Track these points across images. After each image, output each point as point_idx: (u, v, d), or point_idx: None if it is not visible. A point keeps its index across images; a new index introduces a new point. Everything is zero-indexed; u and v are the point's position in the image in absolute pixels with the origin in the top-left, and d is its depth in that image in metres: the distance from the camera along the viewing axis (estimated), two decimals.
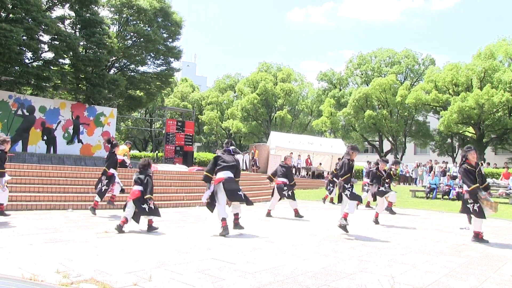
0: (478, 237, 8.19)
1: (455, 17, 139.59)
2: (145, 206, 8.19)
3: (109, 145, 10.90)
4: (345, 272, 5.49)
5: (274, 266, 5.65)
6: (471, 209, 8.14)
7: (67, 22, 20.03)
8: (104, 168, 10.46)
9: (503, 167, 23.84)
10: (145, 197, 8.23)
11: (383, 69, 46.46)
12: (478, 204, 8.01)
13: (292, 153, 28.26)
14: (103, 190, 10.30)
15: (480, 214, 7.99)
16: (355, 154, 9.20)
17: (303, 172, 29.06)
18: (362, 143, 46.32)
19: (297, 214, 11.66)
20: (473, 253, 7.06)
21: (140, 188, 8.33)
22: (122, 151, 16.33)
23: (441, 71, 38.22)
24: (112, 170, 10.55)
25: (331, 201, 16.56)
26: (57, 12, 20.16)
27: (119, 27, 24.25)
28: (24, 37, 16.16)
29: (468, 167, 8.24)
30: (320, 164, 29.59)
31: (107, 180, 10.33)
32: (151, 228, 8.35)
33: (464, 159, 8.43)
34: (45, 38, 18.12)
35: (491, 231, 10.07)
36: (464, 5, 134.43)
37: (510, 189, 19.66)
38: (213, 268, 5.43)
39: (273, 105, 50.23)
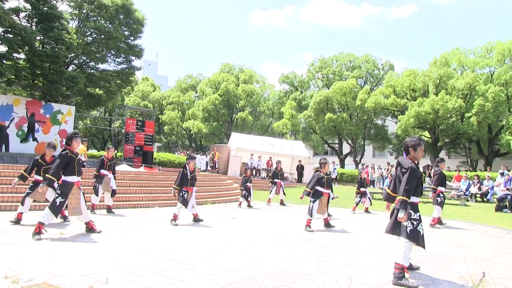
0: None
1: (413, 25, 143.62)
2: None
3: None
4: (303, 273, 5.54)
5: (233, 267, 5.65)
6: None
7: (22, 14, 19.28)
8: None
9: (455, 170, 24.67)
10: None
11: (344, 73, 47.22)
12: None
13: (253, 154, 28.33)
14: None
15: None
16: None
17: (263, 174, 29.16)
18: (322, 146, 46.93)
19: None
20: (426, 252, 7.26)
21: None
22: (80, 150, 15.94)
23: (400, 76, 39.21)
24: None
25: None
26: (11, 3, 19.48)
27: (78, 22, 23.65)
28: None
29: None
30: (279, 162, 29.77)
31: None
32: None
33: None
34: None
35: (444, 232, 10.40)
36: (421, 14, 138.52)
37: (461, 191, 20.38)
38: (172, 270, 5.37)
39: (234, 106, 50.22)
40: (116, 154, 23.69)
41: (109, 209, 11.71)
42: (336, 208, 15.47)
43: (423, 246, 5.40)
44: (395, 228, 5.44)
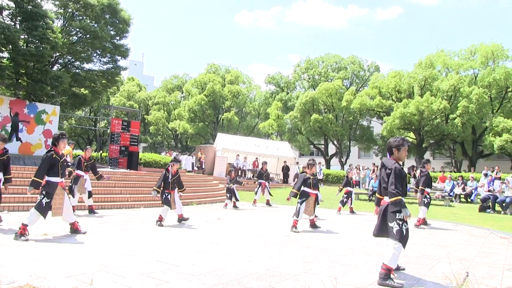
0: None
1: (399, 27, 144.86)
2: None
3: None
4: (289, 273, 5.55)
5: (219, 268, 5.64)
6: None
7: (5, 13, 18.99)
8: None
9: (440, 171, 24.93)
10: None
11: (329, 74, 47.40)
12: None
13: (238, 155, 28.30)
14: None
15: None
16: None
17: (249, 174, 29.15)
18: (308, 146, 47.06)
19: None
20: (411, 253, 7.33)
21: None
22: (66, 151, 15.79)
23: (385, 78, 39.50)
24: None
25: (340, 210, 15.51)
26: None
27: (64, 22, 23.38)
28: None
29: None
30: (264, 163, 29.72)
31: None
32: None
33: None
34: None
35: (428, 232, 10.50)
36: (407, 16, 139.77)
37: (446, 192, 20.60)
38: (157, 271, 5.35)
39: (220, 106, 50.14)
40: (101, 154, 23.50)
41: (90, 210, 11.59)
42: (321, 209, 15.53)
43: (403, 246, 5.38)
44: (382, 229, 5.50)
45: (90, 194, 11.57)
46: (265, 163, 18.23)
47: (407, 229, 5.36)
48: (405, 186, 5.57)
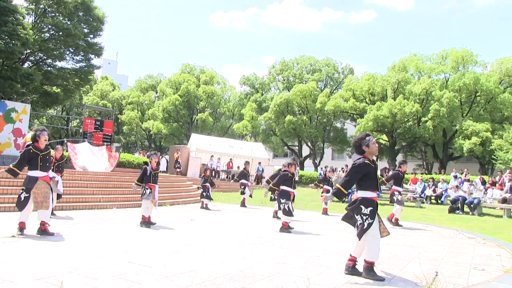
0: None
1: (373, 31, 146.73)
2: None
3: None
4: (262, 274, 5.56)
5: (192, 269, 5.61)
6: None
7: None
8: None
9: (412, 173, 25.33)
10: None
11: (304, 76, 47.66)
12: None
13: (212, 156, 28.22)
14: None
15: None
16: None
17: (223, 175, 29.09)
18: (282, 148, 47.22)
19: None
20: (383, 253, 7.41)
21: None
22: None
23: (359, 80, 39.94)
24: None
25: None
26: None
27: (35, 18, 22.93)
28: None
29: None
30: (238, 167, 29.66)
31: None
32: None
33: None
34: None
35: (400, 233, 10.67)
36: (380, 20, 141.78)
37: (417, 194, 20.97)
38: (130, 272, 5.29)
39: (195, 107, 49.94)
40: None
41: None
42: (295, 210, 15.58)
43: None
44: (349, 216, 5.84)
45: (59, 197, 11.14)
46: (248, 163, 18.23)
47: (369, 224, 5.49)
48: (373, 179, 5.72)
